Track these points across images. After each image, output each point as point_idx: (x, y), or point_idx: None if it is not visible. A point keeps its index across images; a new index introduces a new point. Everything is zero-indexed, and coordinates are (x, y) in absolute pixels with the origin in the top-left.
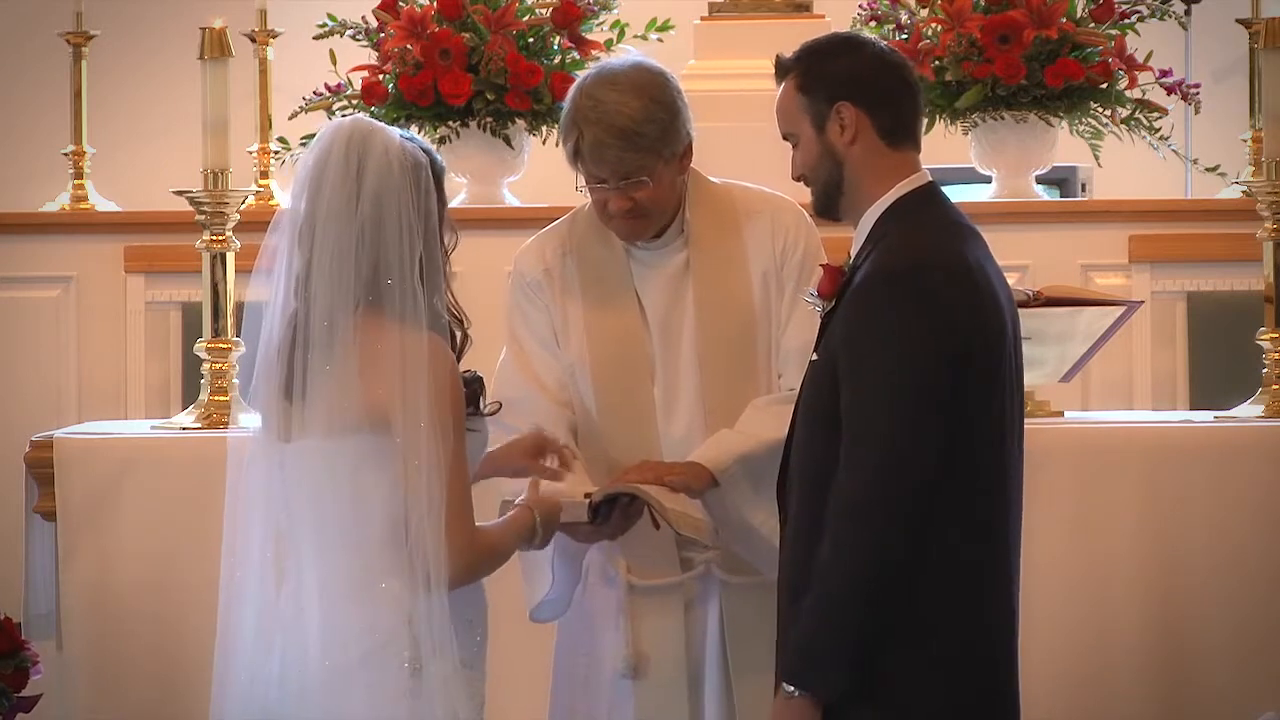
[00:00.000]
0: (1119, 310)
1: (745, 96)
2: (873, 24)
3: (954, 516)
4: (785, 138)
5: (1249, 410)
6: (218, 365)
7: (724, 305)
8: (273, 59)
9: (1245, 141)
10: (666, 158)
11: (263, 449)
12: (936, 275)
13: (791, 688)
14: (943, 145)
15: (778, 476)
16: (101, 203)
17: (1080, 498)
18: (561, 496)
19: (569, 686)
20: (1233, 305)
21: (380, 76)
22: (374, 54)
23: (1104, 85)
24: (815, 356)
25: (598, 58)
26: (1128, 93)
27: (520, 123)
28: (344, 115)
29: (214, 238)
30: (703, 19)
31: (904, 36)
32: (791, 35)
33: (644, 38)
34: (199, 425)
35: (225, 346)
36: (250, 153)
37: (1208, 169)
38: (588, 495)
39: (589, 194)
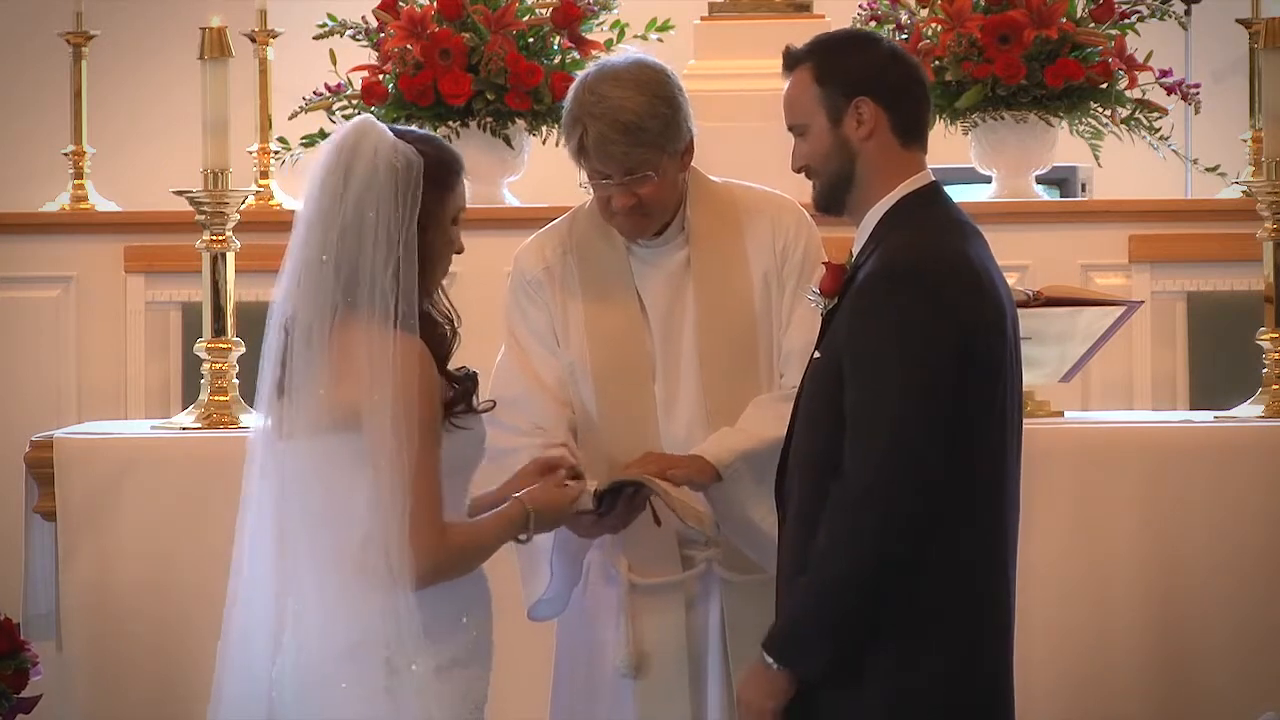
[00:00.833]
0: (1119, 310)
1: (745, 96)
2: (873, 24)
3: (953, 515)
4: (791, 128)
5: (1249, 410)
6: (218, 365)
7: (725, 304)
8: (273, 59)
9: (1245, 141)
10: (670, 153)
11: (262, 448)
12: (940, 274)
13: (770, 659)
14: (943, 145)
15: (778, 473)
16: (101, 203)
17: (1080, 498)
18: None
19: (569, 687)
20: (1233, 305)
21: (380, 76)
22: (374, 54)
23: (1104, 85)
24: (817, 354)
25: (598, 58)
26: (1128, 93)
27: (520, 123)
28: (344, 115)
29: (214, 238)
30: (703, 19)
31: (904, 36)
32: (792, 35)
33: (644, 38)
34: (199, 425)
35: (225, 346)
36: (250, 153)
37: (1208, 169)
38: (594, 486)
39: (592, 191)
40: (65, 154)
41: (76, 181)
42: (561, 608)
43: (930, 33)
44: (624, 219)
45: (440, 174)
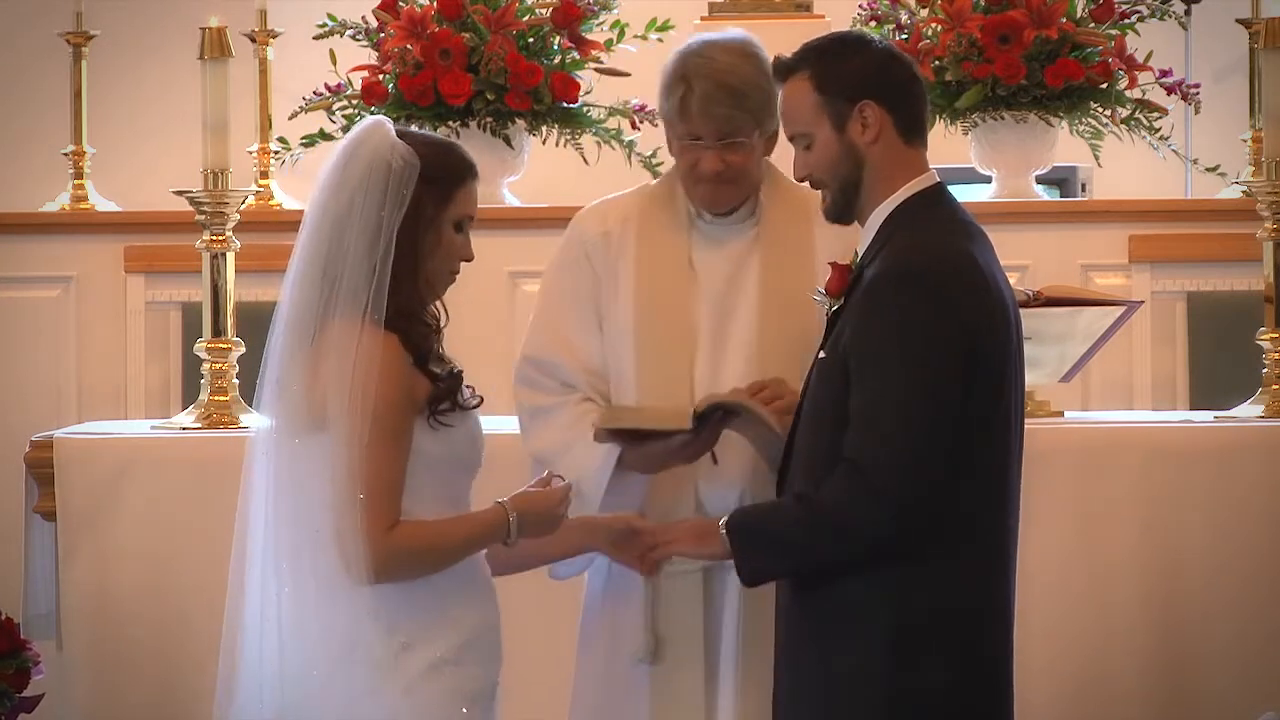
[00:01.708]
0: (1119, 310)
1: None
2: (873, 24)
3: (953, 515)
4: (792, 139)
5: (1249, 410)
6: (218, 365)
7: (788, 290)
8: (273, 59)
9: (1245, 141)
10: (762, 130)
11: (262, 446)
12: (945, 276)
13: (726, 532)
14: (943, 145)
15: (778, 473)
16: (101, 203)
17: (1080, 498)
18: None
19: (590, 675)
20: (1233, 305)
21: (380, 76)
22: (374, 54)
23: (1104, 85)
24: (822, 354)
25: (598, 58)
26: (1128, 93)
27: (520, 123)
28: (344, 115)
29: (214, 238)
30: (703, 19)
31: (904, 36)
32: (792, 35)
33: (644, 38)
34: (199, 425)
35: (225, 346)
36: (250, 153)
37: (1208, 169)
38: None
39: (680, 155)
40: (65, 154)
41: (76, 181)
42: (585, 565)
43: (930, 33)
44: (707, 186)
45: (440, 176)
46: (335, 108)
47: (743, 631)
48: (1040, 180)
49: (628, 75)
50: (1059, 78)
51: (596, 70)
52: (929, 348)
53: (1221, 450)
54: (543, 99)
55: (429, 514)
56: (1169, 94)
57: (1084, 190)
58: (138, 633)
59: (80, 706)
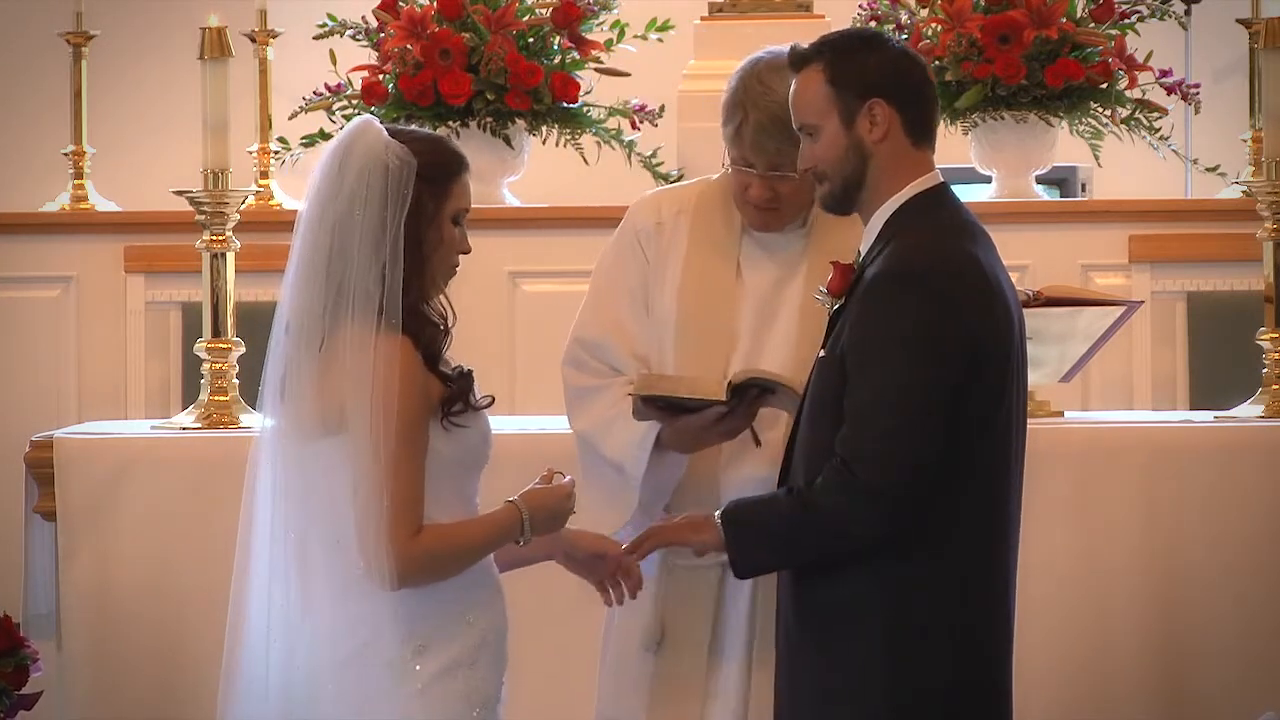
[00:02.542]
0: (1119, 310)
1: None
2: (873, 24)
3: (954, 515)
4: (800, 128)
5: (1249, 410)
6: (218, 365)
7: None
8: (273, 59)
9: (1245, 141)
10: None
11: (267, 448)
12: (947, 276)
13: (720, 523)
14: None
15: (779, 472)
16: (101, 203)
17: (1080, 498)
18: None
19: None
20: (1233, 305)
21: (380, 76)
22: (374, 54)
23: (1104, 85)
24: (823, 353)
25: (598, 58)
26: (1128, 93)
27: (520, 123)
28: (344, 115)
29: (214, 238)
30: (703, 19)
31: (904, 36)
32: (792, 35)
33: (644, 38)
34: (199, 425)
35: (225, 346)
36: (250, 153)
37: (1208, 169)
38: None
39: (734, 174)
40: (65, 154)
41: (76, 181)
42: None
43: (930, 33)
44: (755, 210)
45: (436, 173)
46: (335, 108)
47: (752, 628)
48: (1040, 180)
49: (628, 75)
50: (1059, 78)
51: (596, 70)
52: (930, 348)
53: (1221, 450)
54: (543, 99)
55: (444, 515)
56: (1169, 94)
57: (1084, 190)
58: (138, 633)
59: (80, 707)
